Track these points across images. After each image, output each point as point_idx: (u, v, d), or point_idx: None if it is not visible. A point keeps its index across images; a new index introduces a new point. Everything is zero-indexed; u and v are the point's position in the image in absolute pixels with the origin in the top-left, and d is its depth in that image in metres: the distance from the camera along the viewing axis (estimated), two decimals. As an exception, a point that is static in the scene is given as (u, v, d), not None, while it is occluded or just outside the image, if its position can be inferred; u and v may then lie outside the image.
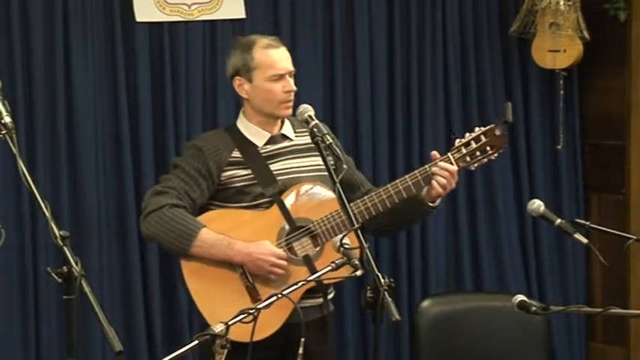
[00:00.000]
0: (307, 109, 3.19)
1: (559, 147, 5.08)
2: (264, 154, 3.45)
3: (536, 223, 5.01)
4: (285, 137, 3.51)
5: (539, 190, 5.05)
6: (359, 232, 2.85)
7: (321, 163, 3.24)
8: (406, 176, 3.40)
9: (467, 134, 3.43)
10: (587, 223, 3.19)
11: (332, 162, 3.45)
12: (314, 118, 3.14)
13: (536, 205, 3.22)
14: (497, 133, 3.40)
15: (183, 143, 4.42)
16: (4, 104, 2.56)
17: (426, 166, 3.40)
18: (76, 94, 4.27)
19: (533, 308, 2.82)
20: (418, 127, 4.88)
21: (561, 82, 5.01)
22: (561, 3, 4.79)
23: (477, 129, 3.42)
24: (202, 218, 3.40)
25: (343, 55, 4.75)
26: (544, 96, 5.12)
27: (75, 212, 4.29)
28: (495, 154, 3.42)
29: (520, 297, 2.86)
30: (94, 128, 4.32)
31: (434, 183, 3.36)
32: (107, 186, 4.36)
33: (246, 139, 3.47)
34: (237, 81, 3.47)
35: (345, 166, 3.21)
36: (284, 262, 3.33)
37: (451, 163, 3.38)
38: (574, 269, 5.19)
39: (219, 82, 4.50)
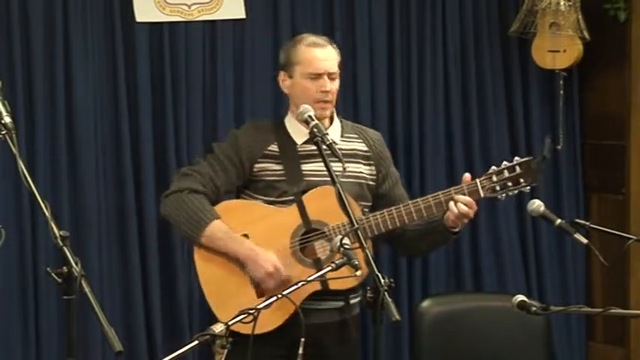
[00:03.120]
0: (307, 110, 3.19)
1: (559, 147, 5.08)
2: (300, 153, 3.42)
3: (536, 223, 5.01)
4: None
5: (539, 190, 5.05)
6: (359, 232, 2.84)
7: (364, 170, 3.26)
8: (428, 196, 3.36)
9: (504, 162, 3.35)
10: (587, 223, 3.19)
11: (369, 169, 3.45)
12: (314, 118, 3.14)
13: (536, 205, 3.22)
14: (533, 166, 3.33)
15: (183, 143, 4.45)
16: (4, 104, 2.56)
17: (452, 189, 3.34)
18: (76, 94, 4.27)
19: (533, 308, 2.82)
20: (418, 127, 4.87)
21: (561, 82, 5.01)
22: (561, 3, 4.79)
23: (515, 159, 3.35)
24: (219, 208, 3.40)
25: (343, 55, 4.73)
26: (544, 96, 5.12)
27: (75, 212, 4.29)
28: (527, 188, 3.35)
29: (520, 297, 2.86)
30: (94, 128, 4.32)
31: (451, 208, 3.31)
32: (107, 186, 4.36)
33: (288, 135, 3.46)
34: (280, 75, 3.47)
35: (345, 166, 3.20)
36: (279, 277, 3.30)
37: (477, 190, 3.32)
38: (574, 269, 5.19)
39: (219, 82, 4.51)
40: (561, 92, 5.03)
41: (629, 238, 3.31)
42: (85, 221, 4.30)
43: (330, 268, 2.77)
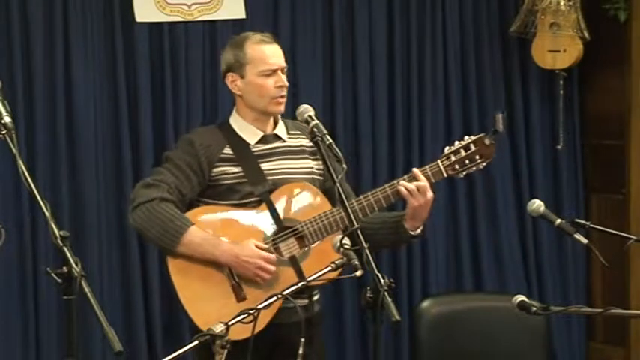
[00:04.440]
0: (307, 109, 3.18)
1: (559, 147, 5.08)
2: (255, 153, 3.43)
3: (536, 223, 5.01)
4: (277, 138, 3.48)
5: (539, 190, 5.05)
6: (359, 232, 2.84)
7: (313, 165, 3.27)
8: (385, 185, 3.40)
9: (456, 142, 3.42)
10: (587, 223, 3.19)
11: (317, 164, 3.47)
12: (314, 118, 3.13)
13: (536, 205, 3.22)
14: (487, 142, 3.41)
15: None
16: (4, 104, 2.56)
17: (405, 176, 3.39)
18: (76, 94, 4.28)
19: (534, 308, 2.82)
20: (418, 127, 4.87)
21: (561, 82, 5.01)
22: (561, 3, 4.79)
23: (466, 137, 3.43)
24: (190, 215, 3.38)
25: (343, 55, 4.75)
26: (544, 96, 5.12)
27: (75, 212, 4.30)
28: (484, 164, 3.42)
29: (520, 297, 2.86)
30: (94, 128, 4.33)
31: (402, 193, 3.34)
32: (107, 186, 4.36)
33: (238, 136, 3.45)
34: (229, 77, 3.46)
35: (344, 166, 3.21)
36: (271, 267, 3.31)
37: (439, 171, 3.38)
38: (574, 269, 5.19)
39: (219, 82, 4.48)
40: (561, 92, 5.03)
41: (629, 238, 3.31)
42: (85, 221, 4.30)
43: (329, 267, 2.77)
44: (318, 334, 3.56)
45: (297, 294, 3.28)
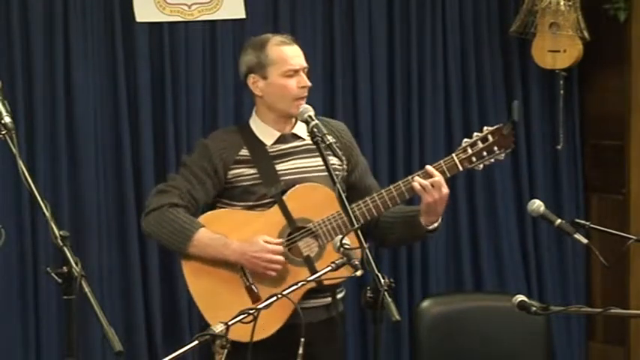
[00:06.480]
0: (307, 109, 3.19)
1: (559, 147, 5.08)
2: (271, 154, 3.44)
3: (536, 223, 5.01)
4: (296, 137, 3.48)
5: (539, 190, 5.05)
6: (359, 232, 2.84)
7: (335, 162, 3.24)
8: (399, 182, 3.39)
9: (474, 134, 3.40)
10: (587, 223, 3.19)
11: (339, 163, 3.46)
12: (314, 118, 3.14)
13: (536, 205, 3.22)
14: (505, 132, 3.39)
15: (183, 143, 4.44)
16: (4, 104, 2.56)
17: (419, 172, 3.38)
18: (76, 94, 4.27)
19: (533, 308, 2.82)
20: (418, 127, 4.87)
21: (561, 82, 5.01)
22: (561, 3, 4.79)
23: (484, 128, 3.40)
24: (203, 219, 3.40)
25: (343, 55, 4.75)
26: (544, 96, 5.12)
27: (75, 212, 4.30)
28: (503, 155, 3.40)
29: (520, 297, 2.86)
30: (94, 128, 4.33)
31: (416, 188, 3.33)
32: (107, 186, 4.36)
33: (256, 137, 3.46)
34: (251, 79, 3.47)
35: (345, 166, 3.20)
36: (280, 258, 3.32)
37: (455, 164, 3.37)
38: (574, 269, 5.19)
39: (219, 82, 4.51)
40: (561, 92, 5.03)
41: (629, 238, 3.31)
42: (85, 221, 4.30)
43: (330, 267, 2.77)
44: (341, 334, 3.56)
45: (318, 293, 3.32)
